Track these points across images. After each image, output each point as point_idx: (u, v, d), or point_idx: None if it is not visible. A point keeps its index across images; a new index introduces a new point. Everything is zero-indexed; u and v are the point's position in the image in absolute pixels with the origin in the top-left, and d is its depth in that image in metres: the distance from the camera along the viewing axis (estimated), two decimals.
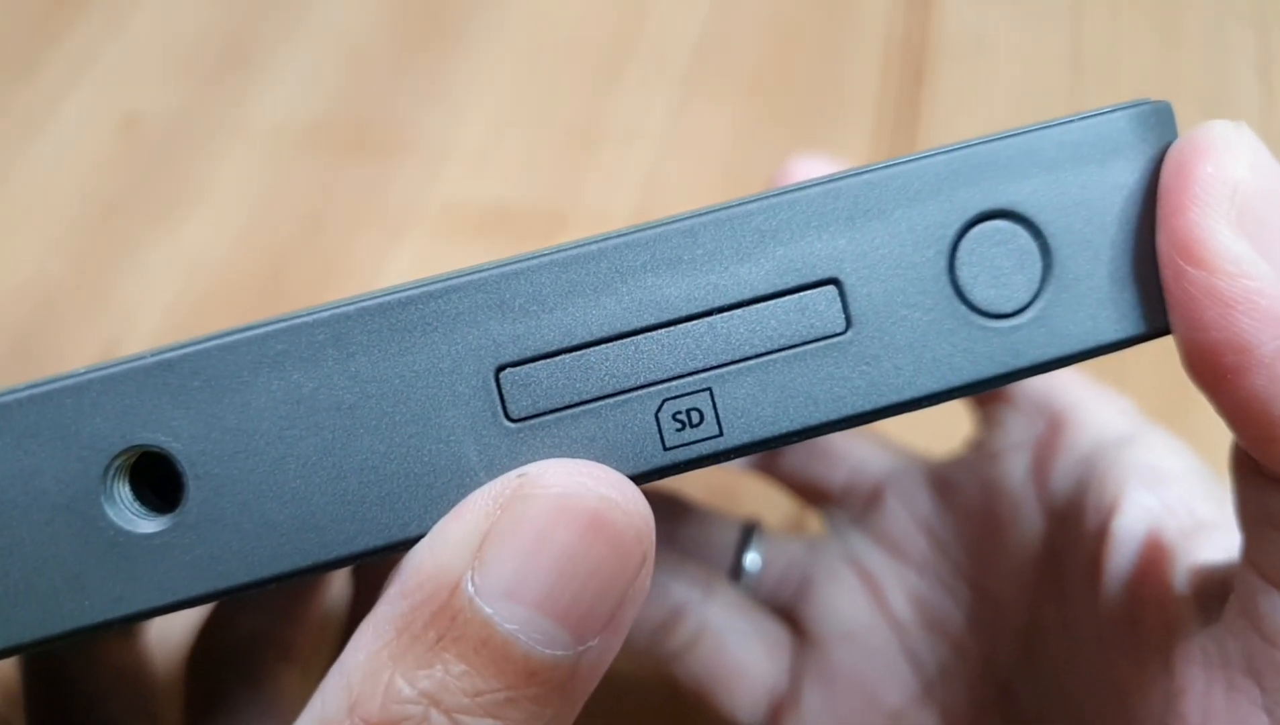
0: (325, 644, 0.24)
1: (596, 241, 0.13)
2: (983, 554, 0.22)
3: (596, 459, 0.13)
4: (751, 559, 0.25)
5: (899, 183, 0.13)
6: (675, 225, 0.13)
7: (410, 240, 0.36)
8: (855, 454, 0.25)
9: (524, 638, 0.12)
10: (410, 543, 0.13)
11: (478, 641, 0.12)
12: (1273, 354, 0.12)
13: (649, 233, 0.13)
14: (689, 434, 0.13)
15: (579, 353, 0.13)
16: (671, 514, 0.25)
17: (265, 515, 0.13)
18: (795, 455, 0.25)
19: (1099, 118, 0.13)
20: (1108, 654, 0.18)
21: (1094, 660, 0.19)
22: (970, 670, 0.22)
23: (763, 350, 0.13)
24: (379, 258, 0.36)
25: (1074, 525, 0.20)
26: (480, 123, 0.39)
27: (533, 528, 0.12)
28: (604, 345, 0.13)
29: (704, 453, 0.13)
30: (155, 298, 0.35)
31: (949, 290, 0.13)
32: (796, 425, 0.13)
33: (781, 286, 0.13)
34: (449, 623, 0.12)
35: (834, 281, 0.13)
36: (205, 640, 0.23)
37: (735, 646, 0.23)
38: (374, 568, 0.18)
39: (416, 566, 0.12)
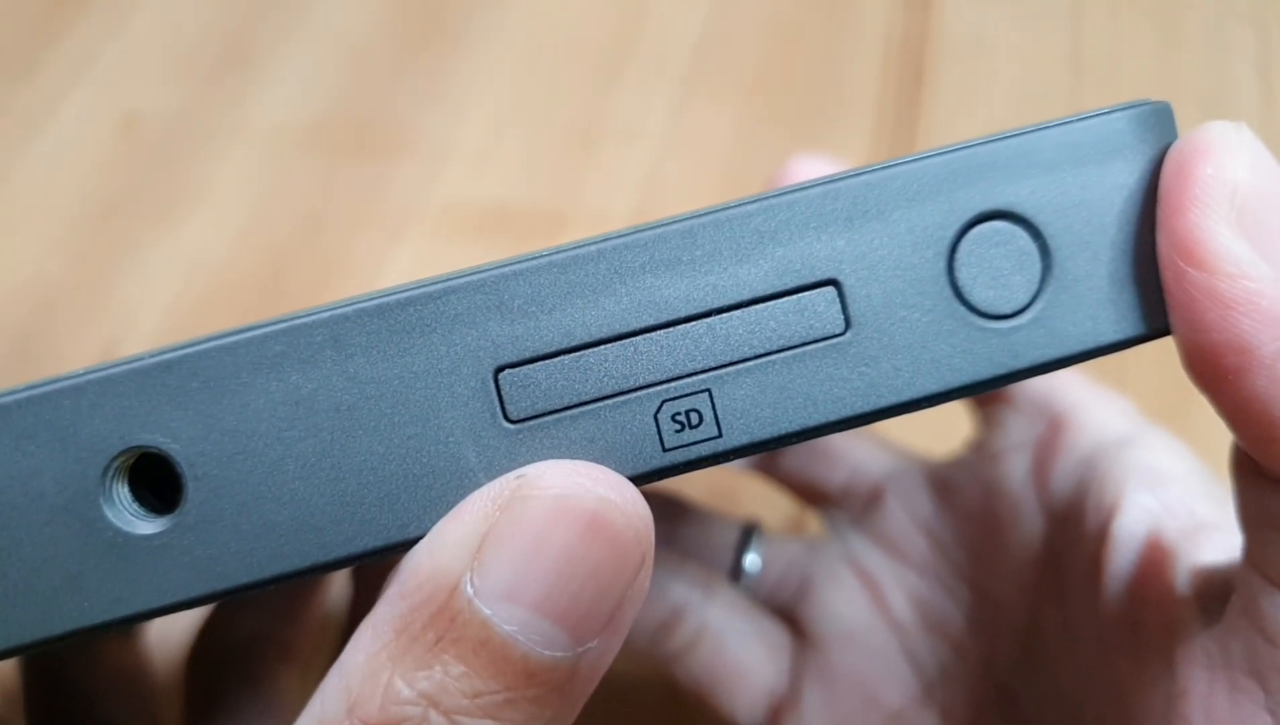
0: (325, 644, 0.24)
1: (595, 242, 0.13)
2: (982, 555, 0.22)
3: (595, 460, 0.13)
4: (751, 560, 0.25)
5: (898, 184, 0.13)
6: (674, 226, 0.13)
7: (410, 240, 0.36)
8: (855, 455, 0.25)
9: (523, 639, 0.12)
10: (409, 544, 0.13)
11: (477, 643, 0.12)
12: (1273, 355, 0.12)
13: (648, 234, 0.13)
14: (688, 435, 0.13)
15: (578, 354, 0.13)
16: (671, 515, 0.25)
17: (264, 516, 0.13)
18: (795, 456, 0.25)
19: (1098, 118, 0.13)
20: (1108, 655, 0.18)
21: (1094, 661, 0.19)
22: (970, 671, 0.22)
23: (762, 351, 0.13)
24: (379, 258, 0.36)
25: (1074, 526, 0.20)
26: (480, 123, 0.39)
27: (532, 529, 0.12)
28: (603, 346, 0.13)
29: (703, 454, 0.13)
30: (155, 298, 0.35)
31: (948, 291, 0.13)
32: (796, 426, 0.13)
33: (780, 287, 0.13)
34: (448, 624, 0.12)
35: (833, 282, 0.13)
36: (205, 640, 0.23)
37: (735, 647, 0.23)
38: (374, 568, 0.18)
39: (415, 568, 0.12)
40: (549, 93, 0.39)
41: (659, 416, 0.13)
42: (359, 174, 0.37)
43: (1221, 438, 0.14)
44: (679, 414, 0.13)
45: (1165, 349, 0.14)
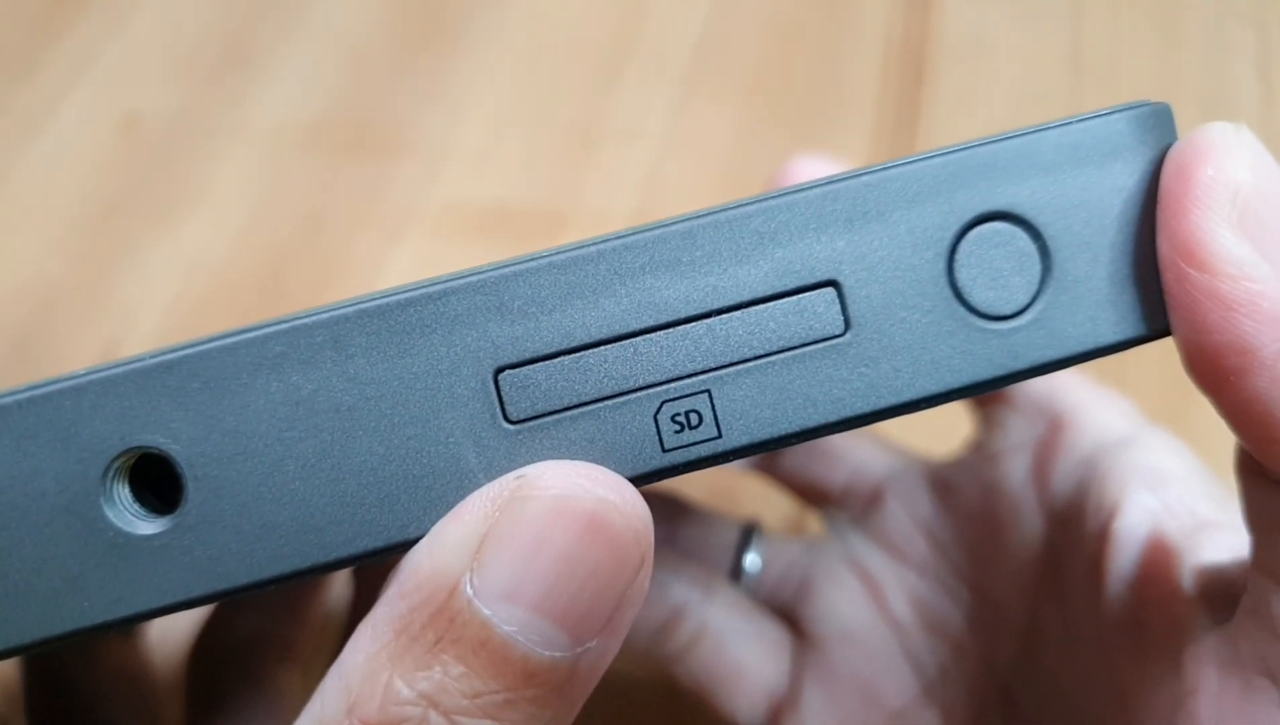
0: (325, 644, 0.24)
1: (595, 243, 0.13)
2: (982, 555, 0.22)
3: (595, 461, 0.13)
4: (751, 560, 0.25)
5: (898, 185, 0.13)
6: (673, 227, 0.13)
7: (410, 240, 0.36)
8: (855, 455, 0.25)
9: (522, 639, 0.12)
10: (409, 544, 0.13)
11: (476, 643, 0.12)
12: (1275, 356, 0.12)
13: (647, 235, 0.13)
14: (688, 436, 0.13)
15: (578, 355, 0.13)
16: (671, 515, 0.25)
17: (264, 517, 0.13)
18: (795, 456, 0.25)
19: (1098, 119, 0.13)
20: (1109, 655, 0.18)
21: (1094, 662, 0.19)
22: (970, 671, 0.22)
23: (761, 352, 0.13)
24: (379, 258, 0.36)
25: (1074, 527, 0.20)
26: (480, 123, 0.39)
27: (531, 529, 0.12)
28: (603, 347, 0.13)
29: (703, 454, 0.13)
30: (155, 298, 0.35)
31: (948, 292, 0.13)
32: (795, 427, 0.13)
33: (780, 288, 0.13)
34: (447, 624, 0.12)
35: (833, 283, 0.13)
36: (205, 640, 0.23)
37: (735, 647, 0.23)
38: (374, 568, 0.18)
39: (415, 568, 0.12)
40: (549, 93, 0.39)
41: (659, 417, 0.13)
42: (359, 174, 0.37)
43: (1221, 438, 0.14)
44: (679, 415, 0.13)
45: (1166, 349, 0.14)
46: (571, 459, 0.13)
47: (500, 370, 0.13)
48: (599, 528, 0.12)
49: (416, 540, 0.12)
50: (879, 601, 0.23)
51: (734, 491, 0.30)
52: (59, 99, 0.40)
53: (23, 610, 0.13)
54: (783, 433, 0.13)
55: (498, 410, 0.13)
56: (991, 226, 0.13)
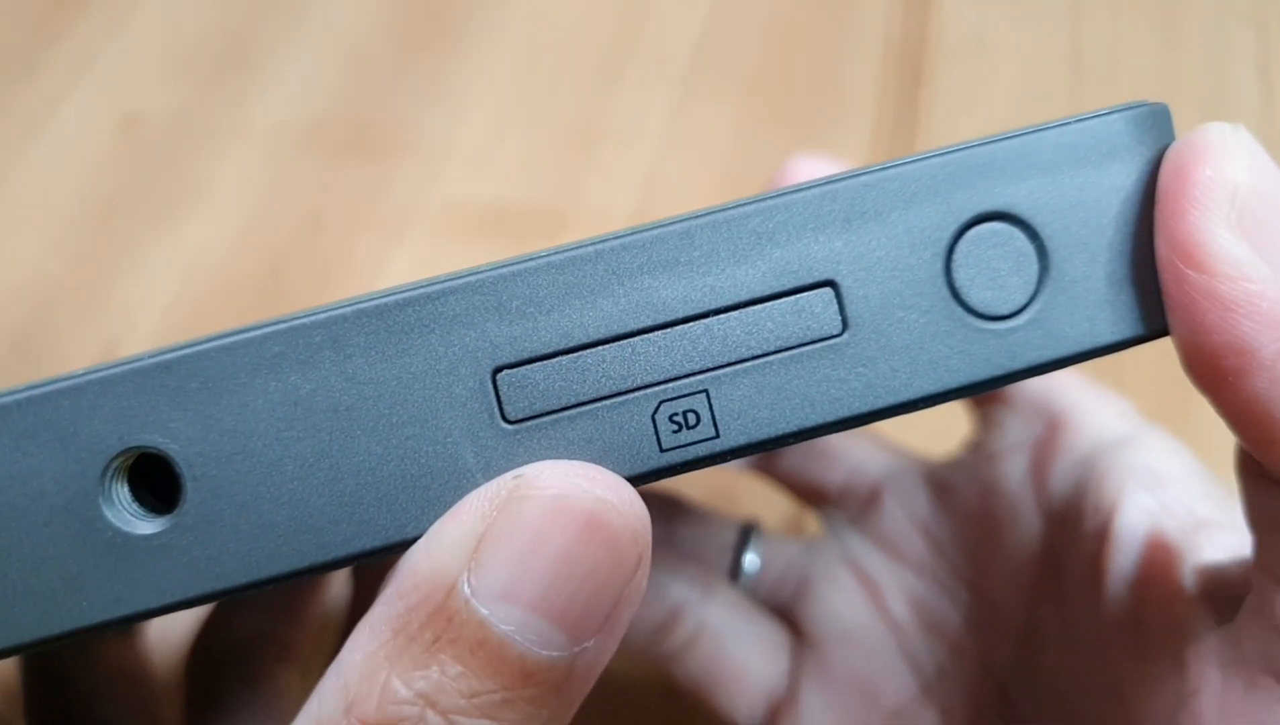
0: (325, 644, 0.24)
1: (593, 243, 0.13)
2: (980, 555, 0.22)
3: (593, 460, 0.13)
4: (750, 559, 0.25)
5: (895, 185, 0.13)
6: (672, 227, 0.13)
7: (410, 240, 0.36)
8: (853, 455, 0.25)
9: (520, 639, 0.12)
10: (407, 544, 0.13)
11: (474, 642, 0.12)
12: (1274, 356, 0.12)
13: (646, 235, 0.13)
14: (685, 436, 0.13)
15: (576, 355, 0.13)
16: (670, 514, 0.25)
17: (263, 516, 0.13)
18: (793, 456, 0.25)
19: (1096, 120, 0.13)
20: (1108, 655, 0.18)
21: (1093, 662, 0.19)
22: (968, 671, 0.22)
23: (759, 352, 0.13)
24: (379, 258, 0.36)
25: (1073, 527, 0.20)
26: (480, 123, 0.39)
27: (529, 529, 0.12)
28: (601, 347, 0.13)
29: (700, 454, 0.13)
30: (155, 298, 0.35)
31: (945, 292, 0.13)
32: (793, 427, 0.13)
33: (778, 288, 0.13)
34: (445, 624, 0.12)
35: (830, 283, 0.13)
36: (205, 640, 0.23)
37: (733, 647, 0.23)
38: (373, 568, 0.18)
39: (413, 567, 0.12)
40: (549, 93, 0.39)
41: (656, 417, 0.13)
42: (359, 174, 0.37)
43: (1221, 438, 0.14)
44: (676, 414, 0.13)
45: (1164, 349, 0.14)
46: (569, 459, 0.13)
47: (498, 370, 0.13)
48: (597, 527, 0.12)
49: (414, 540, 0.12)
50: (877, 601, 0.23)
51: (732, 491, 0.30)
52: (59, 99, 0.40)
53: (22, 610, 0.13)
54: (780, 433, 0.13)
55: (496, 410, 0.13)
56: (989, 226, 0.13)
